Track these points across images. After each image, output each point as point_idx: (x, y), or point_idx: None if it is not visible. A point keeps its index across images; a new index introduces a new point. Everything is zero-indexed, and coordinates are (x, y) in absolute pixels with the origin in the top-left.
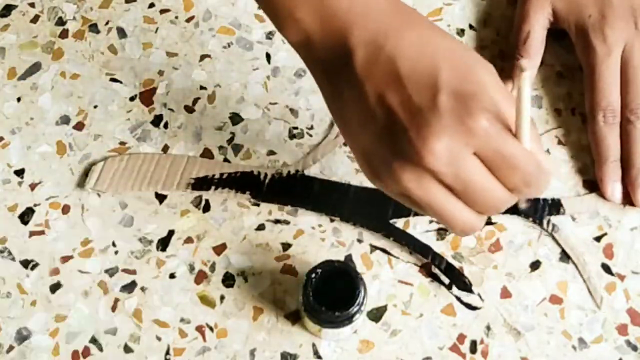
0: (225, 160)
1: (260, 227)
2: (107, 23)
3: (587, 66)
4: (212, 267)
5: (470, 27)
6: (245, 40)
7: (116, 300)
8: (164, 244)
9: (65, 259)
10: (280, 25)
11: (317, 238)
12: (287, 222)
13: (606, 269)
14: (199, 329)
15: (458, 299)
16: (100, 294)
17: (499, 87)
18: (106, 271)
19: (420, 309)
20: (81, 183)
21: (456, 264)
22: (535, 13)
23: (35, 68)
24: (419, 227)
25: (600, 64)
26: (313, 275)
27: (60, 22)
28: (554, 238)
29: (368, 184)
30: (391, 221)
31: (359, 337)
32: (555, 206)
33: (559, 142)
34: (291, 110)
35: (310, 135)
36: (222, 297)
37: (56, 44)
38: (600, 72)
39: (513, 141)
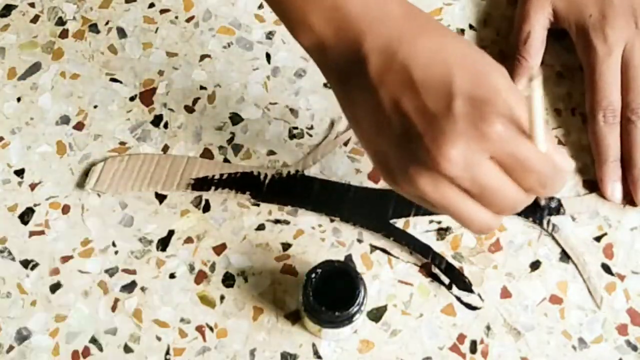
0: (225, 160)
1: (260, 227)
2: (107, 23)
3: (588, 66)
4: (212, 267)
5: (470, 27)
6: (245, 40)
7: (116, 300)
8: (164, 244)
9: (65, 259)
10: (293, 29)
11: (317, 238)
12: (287, 222)
13: (606, 269)
14: (199, 329)
15: (458, 299)
16: (100, 294)
17: (512, 90)
18: (106, 271)
19: (420, 309)
20: (81, 183)
21: (456, 264)
22: (536, 13)
23: (35, 68)
24: (419, 227)
25: (601, 64)
26: (313, 275)
27: (60, 22)
28: (554, 238)
29: (368, 184)
30: (391, 221)
31: (359, 337)
32: (555, 206)
33: (559, 142)
34: (291, 110)
35: (310, 135)
36: (222, 297)
37: (56, 44)
38: (601, 72)
39: (528, 144)
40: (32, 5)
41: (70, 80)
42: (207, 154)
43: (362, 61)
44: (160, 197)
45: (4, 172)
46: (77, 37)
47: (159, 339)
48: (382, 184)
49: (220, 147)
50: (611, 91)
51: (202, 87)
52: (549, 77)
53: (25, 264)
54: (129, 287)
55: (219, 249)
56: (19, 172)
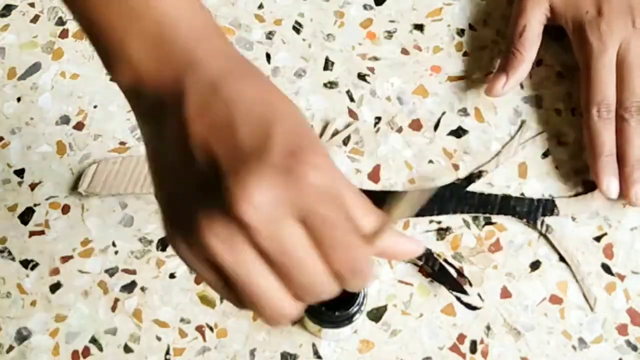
0: None
1: None
2: None
3: (583, 62)
4: None
5: (470, 27)
6: (245, 40)
7: (116, 300)
8: (164, 244)
9: (65, 259)
10: (111, 64)
11: None
12: None
13: (606, 269)
14: (199, 329)
15: (458, 299)
16: (100, 294)
17: (335, 167)
18: (106, 271)
19: (420, 309)
20: (74, 186)
21: (456, 264)
22: (533, 8)
23: (35, 68)
24: (419, 227)
25: (596, 61)
26: None
27: (60, 22)
28: (547, 239)
29: (368, 184)
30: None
31: (359, 337)
32: (549, 207)
33: (559, 142)
34: None
35: None
36: (222, 297)
37: (56, 44)
38: (596, 69)
39: (343, 212)
40: (32, 5)
41: (70, 80)
42: None
43: (181, 94)
44: None
45: (4, 172)
46: (77, 37)
47: (159, 339)
48: (376, 186)
49: None
50: (605, 87)
51: None
52: (549, 77)
53: (25, 264)
54: (129, 287)
55: None
56: (19, 172)
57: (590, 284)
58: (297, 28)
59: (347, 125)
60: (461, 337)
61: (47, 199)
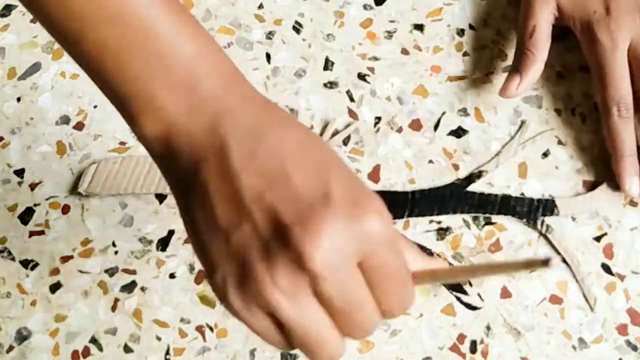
0: None
1: None
2: None
3: (594, 62)
4: None
5: (470, 27)
6: (245, 40)
7: (116, 300)
8: (164, 244)
9: (65, 259)
10: (134, 114)
11: None
12: None
13: (606, 269)
14: (199, 329)
15: (458, 299)
16: (100, 294)
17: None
18: (106, 271)
19: (420, 309)
20: (74, 186)
21: (456, 264)
22: (541, 8)
23: (35, 68)
24: (419, 227)
25: (609, 58)
26: None
27: None
28: (547, 239)
29: (368, 184)
30: (392, 222)
31: None
32: (549, 207)
33: (559, 142)
34: (291, 110)
35: None
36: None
37: (56, 44)
38: (609, 66)
39: (400, 257)
40: None
41: (70, 80)
42: None
43: (221, 146)
44: (160, 197)
45: (4, 172)
46: None
47: (159, 339)
48: (376, 186)
49: None
50: (622, 84)
51: None
52: (549, 77)
53: (25, 264)
54: (129, 287)
55: None
56: (19, 172)
57: (590, 284)
58: (297, 28)
59: (347, 125)
60: (461, 337)
61: (47, 199)
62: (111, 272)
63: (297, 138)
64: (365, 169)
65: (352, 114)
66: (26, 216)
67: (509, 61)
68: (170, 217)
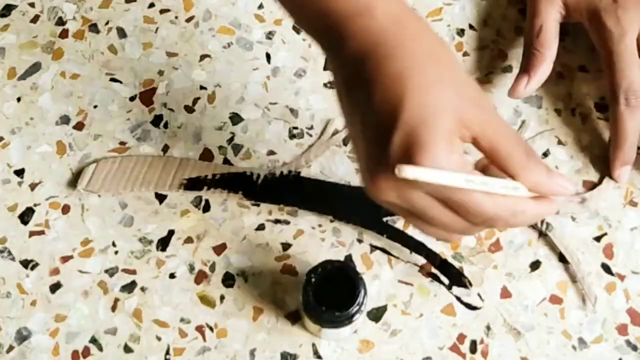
0: (225, 160)
1: (260, 227)
2: (107, 23)
3: (604, 49)
4: (212, 267)
5: (470, 27)
6: (245, 40)
7: (116, 300)
8: (164, 244)
9: (65, 259)
10: (296, 20)
11: (317, 238)
12: (287, 222)
13: (606, 269)
14: (199, 329)
15: (458, 299)
16: (100, 294)
17: (474, 124)
18: (106, 271)
19: (420, 309)
20: (73, 183)
21: (456, 264)
22: (547, 7)
23: (35, 68)
24: None
25: (618, 45)
26: (313, 275)
27: (60, 22)
28: (546, 238)
29: None
30: (389, 219)
31: (359, 337)
32: None
33: (559, 142)
34: (291, 110)
35: (310, 135)
36: (222, 297)
37: (56, 44)
38: (619, 53)
39: (462, 191)
40: (32, 5)
41: (70, 80)
42: (207, 154)
43: (341, 65)
44: (160, 197)
45: (4, 172)
46: (77, 37)
47: (159, 339)
48: None
49: (220, 147)
50: (631, 70)
51: (202, 87)
52: (549, 77)
53: (25, 264)
54: (129, 287)
55: (219, 249)
56: (19, 172)
57: (590, 283)
58: (297, 28)
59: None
60: (461, 337)
61: (47, 199)
62: (111, 272)
63: (390, 71)
64: None
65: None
66: (26, 216)
67: (509, 61)
68: (170, 217)
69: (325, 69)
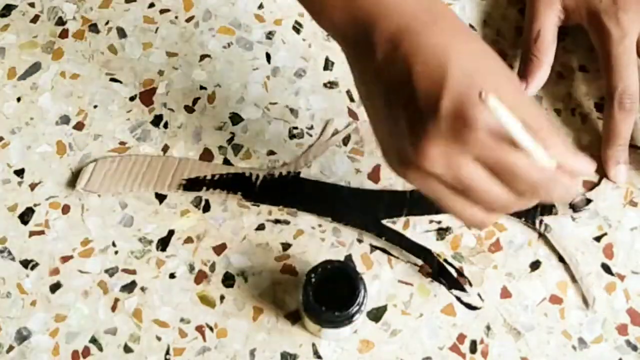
0: (225, 160)
1: (260, 227)
2: (107, 23)
3: (602, 50)
4: (212, 267)
5: (470, 27)
6: (245, 40)
7: (116, 300)
8: (164, 244)
9: (65, 259)
10: (315, 19)
11: (317, 238)
12: (287, 222)
13: (606, 269)
14: (199, 329)
15: (458, 299)
16: (100, 294)
17: (508, 97)
18: (106, 271)
19: (420, 309)
20: (72, 183)
21: (456, 264)
22: (545, 11)
23: (35, 68)
24: (419, 227)
25: (617, 47)
26: (313, 275)
27: (60, 22)
28: (546, 238)
29: (368, 184)
30: (392, 220)
31: (359, 337)
32: (547, 207)
33: None
34: (291, 110)
35: (310, 135)
36: (222, 297)
37: (56, 44)
38: (617, 55)
39: (512, 151)
40: (32, 5)
41: (70, 80)
42: (207, 154)
43: (371, 49)
44: (160, 197)
45: (4, 172)
46: (77, 37)
47: (159, 339)
48: (376, 186)
49: (220, 147)
50: (627, 74)
51: (202, 87)
52: (549, 77)
53: (25, 264)
54: (129, 287)
55: (219, 249)
56: (19, 172)
57: (590, 283)
58: (297, 28)
59: (347, 125)
60: (461, 337)
61: (47, 199)
62: (111, 272)
63: (429, 45)
64: (365, 168)
65: (352, 113)
66: (26, 216)
67: (509, 61)
68: (170, 217)
69: (325, 68)
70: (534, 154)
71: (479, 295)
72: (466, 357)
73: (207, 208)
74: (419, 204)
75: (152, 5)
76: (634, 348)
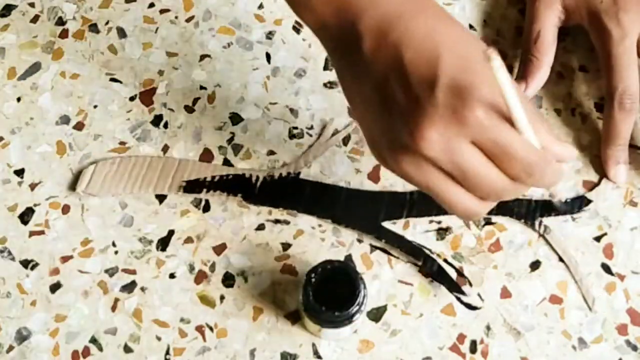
0: (225, 160)
1: (260, 227)
2: (107, 23)
3: (603, 50)
4: (212, 267)
5: (470, 27)
6: (245, 40)
7: (116, 300)
8: (164, 244)
9: (65, 259)
10: (297, 11)
11: (317, 238)
12: (287, 222)
13: (606, 269)
14: (199, 329)
15: (458, 299)
16: (100, 294)
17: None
18: (106, 271)
19: (420, 309)
20: (72, 186)
21: (456, 264)
22: (545, 11)
23: (35, 68)
24: (419, 227)
25: (617, 47)
26: (313, 275)
27: (60, 22)
28: (545, 239)
29: (368, 183)
30: (392, 222)
31: (359, 337)
32: (546, 207)
33: None
34: (291, 110)
35: (310, 135)
36: (222, 297)
37: (56, 44)
38: (617, 55)
39: (511, 131)
40: (32, 5)
41: (70, 80)
42: (207, 154)
43: (358, 40)
44: (160, 197)
45: (4, 172)
46: (77, 37)
47: (159, 339)
48: (376, 186)
49: (220, 147)
50: (628, 74)
51: (202, 87)
52: (549, 77)
53: (25, 264)
54: (129, 287)
55: (219, 249)
56: (19, 172)
57: (590, 284)
58: (297, 28)
59: (347, 125)
60: (461, 337)
61: (47, 199)
62: (111, 272)
63: (419, 30)
64: (365, 169)
65: (351, 113)
66: (26, 216)
67: (509, 61)
68: (170, 217)
69: (325, 68)
70: (524, 131)
71: (479, 295)
72: (466, 357)
73: (207, 208)
74: (420, 204)
75: (152, 5)
76: (634, 348)
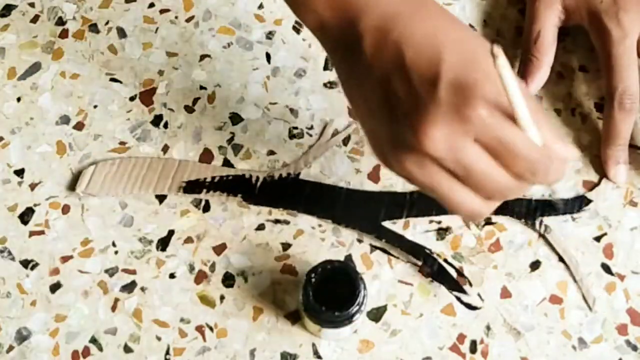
0: (225, 160)
1: (260, 227)
2: (107, 23)
3: (603, 50)
4: (212, 267)
5: (470, 27)
6: (245, 40)
7: (116, 300)
8: (164, 244)
9: (65, 259)
10: (296, 12)
11: (317, 238)
12: (287, 222)
13: (606, 269)
14: (199, 329)
15: (458, 299)
16: (100, 294)
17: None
18: (106, 271)
19: (420, 309)
20: (72, 186)
21: (456, 264)
22: (545, 12)
23: (35, 68)
24: (419, 227)
25: (617, 47)
26: (313, 275)
27: (60, 22)
28: (545, 239)
29: (368, 183)
30: (392, 222)
31: (359, 337)
32: (546, 207)
33: None
34: (291, 110)
35: (310, 135)
36: (222, 297)
37: (56, 44)
38: (617, 55)
39: (514, 129)
40: (32, 5)
41: (70, 80)
42: (207, 154)
43: (359, 40)
44: (160, 197)
45: (4, 172)
46: (77, 37)
47: (159, 339)
48: (375, 186)
49: (220, 147)
50: (628, 75)
51: (202, 87)
52: (549, 77)
53: (25, 264)
54: (129, 287)
55: (219, 249)
56: (19, 172)
57: (590, 284)
58: (297, 28)
59: (347, 126)
60: (461, 337)
61: (47, 199)
62: (111, 272)
63: (420, 30)
64: (365, 169)
65: (352, 114)
66: (26, 216)
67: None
68: (170, 217)
69: (325, 68)
70: (528, 129)
71: (479, 295)
72: (466, 357)
73: (207, 208)
74: (420, 204)
75: (152, 5)
76: (634, 348)
